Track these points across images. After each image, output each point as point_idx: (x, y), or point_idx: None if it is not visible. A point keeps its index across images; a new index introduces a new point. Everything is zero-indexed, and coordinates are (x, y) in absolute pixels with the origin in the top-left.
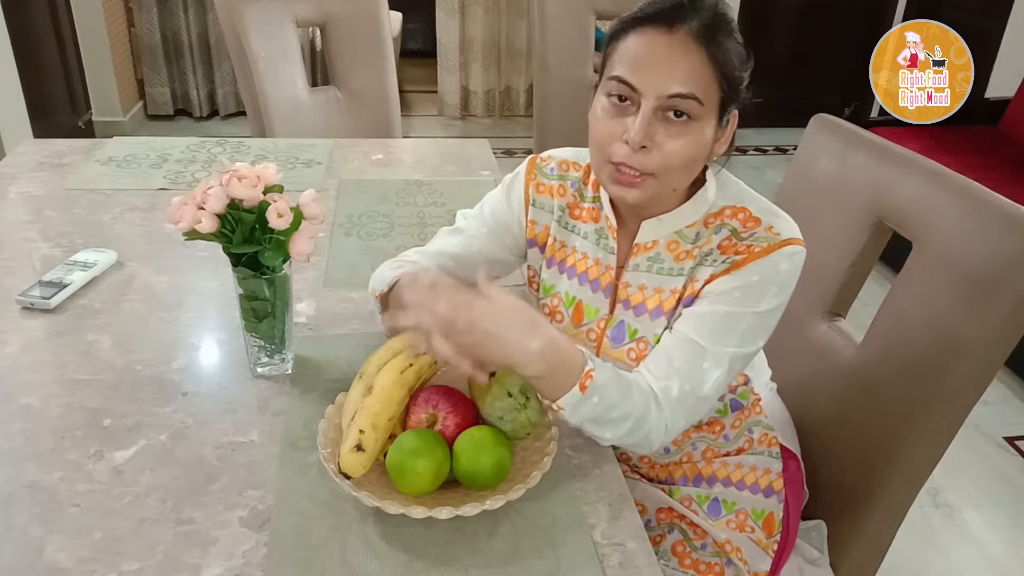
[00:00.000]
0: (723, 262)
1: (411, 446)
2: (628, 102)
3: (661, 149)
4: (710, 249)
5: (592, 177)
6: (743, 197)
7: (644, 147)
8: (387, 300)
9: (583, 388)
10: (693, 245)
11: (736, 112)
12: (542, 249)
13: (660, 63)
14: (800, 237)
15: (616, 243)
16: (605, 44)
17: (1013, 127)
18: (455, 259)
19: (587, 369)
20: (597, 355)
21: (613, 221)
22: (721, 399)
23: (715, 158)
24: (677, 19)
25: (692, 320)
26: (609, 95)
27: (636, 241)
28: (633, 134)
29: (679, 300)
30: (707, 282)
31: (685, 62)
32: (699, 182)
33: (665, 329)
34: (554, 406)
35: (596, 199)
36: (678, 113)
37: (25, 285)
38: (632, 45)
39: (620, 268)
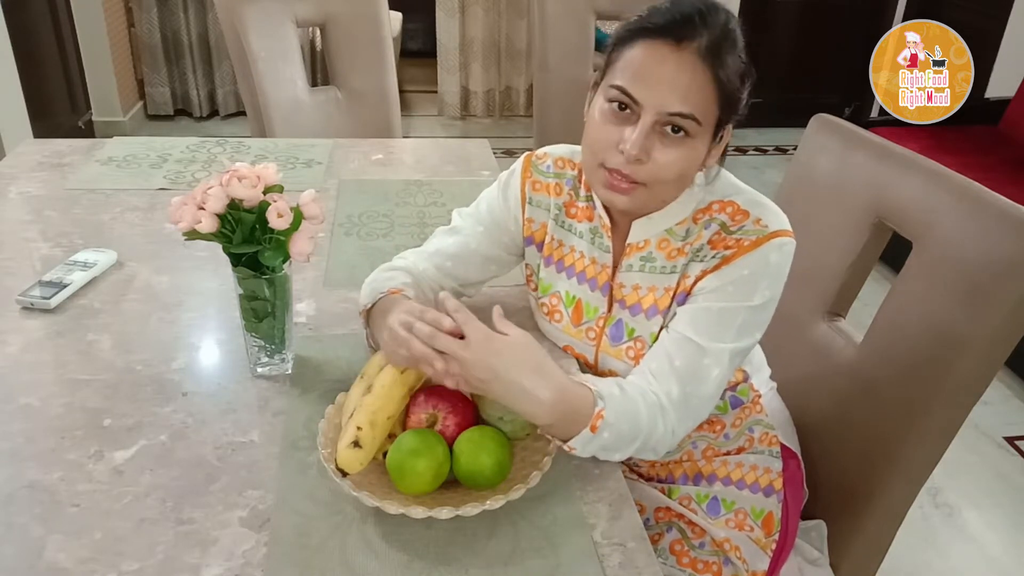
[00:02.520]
0: (713, 257)
1: (411, 446)
2: (628, 111)
3: (655, 161)
4: (700, 244)
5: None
6: (730, 191)
7: (639, 160)
8: (371, 314)
9: (593, 429)
10: (684, 242)
11: (730, 126)
12: (539, 247)
13: (664, 80)
14: (788, 228)
15: (611, 242)
16: (609, 47)
17: (1013, 127)
18: (452, 259)
19: (597, 410)
20: (596, 354)
21: (606, 220)
22: (721, 396)
23: (705, 168)
24: (686, 35)
25: (688, 319)
26: (610, 100)
27: (628, 241)
28: (630, 147)
29: (673, 297)
30: (698, 278)
31: (689, 82)
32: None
33: (661, 328)
34: (564, 447)
35: (589, 198)
36: (676, 128)
37: (25, 285)
38: (638, 56)
39: (615, 268)
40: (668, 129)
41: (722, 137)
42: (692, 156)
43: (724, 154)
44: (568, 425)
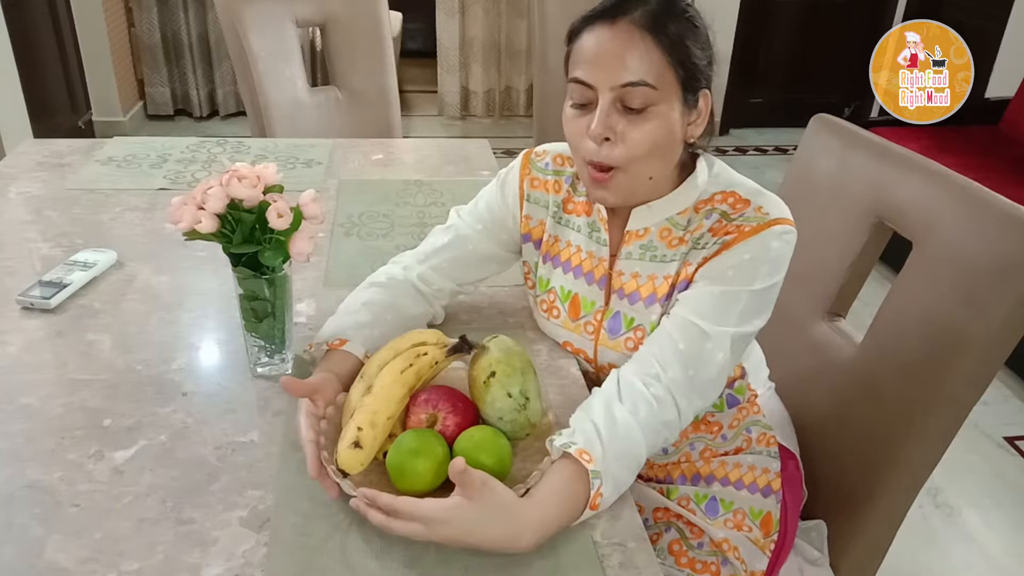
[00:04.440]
0: (714, 244)
1: (411, 446)
2: (588, 99)
3: (624, 139)
4: (701, 233)
5: None
6: (732, 182)
7: (607, 139)
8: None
9: (594, 507)
10: (685, 231)
11: (708, 92)
12: (537, 244)
13: (608, 56)
14: (789, 217)
15: (608, 234)
16: (566, 48)
17: (1013, 127)
18: (450, 258)
19: (594, 491)
20: (595, 348)
21: (604, 213)
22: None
23: (692, 140)
24: (620, 11)
25: (690, 303)
26: (572, 96)
27: (627, 229)
28: (594, 126)
29: (672, 286)
30: (699, 265)
31: (631, 50)
32: (689, 169)
33: (662, 315)
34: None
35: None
36: (637, 105)
37: (25, 285)
38: (583, 44)
39: (613, 257)
40: (629, 104)
41: (697, 102)
42: (662, 126)
43: (711, 123)
44: (570, 516)
